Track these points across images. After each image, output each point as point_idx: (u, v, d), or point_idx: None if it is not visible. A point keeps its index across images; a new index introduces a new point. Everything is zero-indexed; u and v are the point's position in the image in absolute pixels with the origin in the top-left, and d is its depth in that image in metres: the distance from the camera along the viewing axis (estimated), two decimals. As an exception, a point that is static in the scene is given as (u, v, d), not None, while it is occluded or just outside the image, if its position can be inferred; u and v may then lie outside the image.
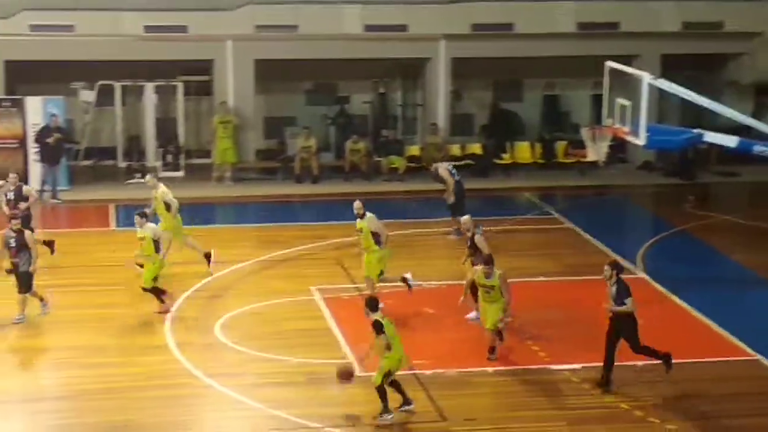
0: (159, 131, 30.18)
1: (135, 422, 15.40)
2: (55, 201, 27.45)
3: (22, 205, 21.63)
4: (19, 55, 28.34)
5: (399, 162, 30.32)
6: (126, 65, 29.01)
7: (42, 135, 27.57)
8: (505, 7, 31.20)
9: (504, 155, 30.93)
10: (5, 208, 21.51)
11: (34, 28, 28.73)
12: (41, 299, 19.39)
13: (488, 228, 21.19)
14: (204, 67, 29.93)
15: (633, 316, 16.28)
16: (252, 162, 30.40)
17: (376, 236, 19.52)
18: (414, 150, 30.90)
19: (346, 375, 15.69)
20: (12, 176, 22.09)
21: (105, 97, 29.68)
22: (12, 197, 21.85)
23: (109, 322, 19.16)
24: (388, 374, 15.34)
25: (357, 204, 19.80)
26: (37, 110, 27.98)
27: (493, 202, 27.68)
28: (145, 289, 19.48)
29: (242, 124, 29.71)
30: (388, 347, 15.29)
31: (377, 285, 19.62)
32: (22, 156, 28.14)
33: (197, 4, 29.54)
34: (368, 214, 19.63)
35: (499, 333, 17.54)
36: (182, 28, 29.44)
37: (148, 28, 29.27)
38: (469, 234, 19.36)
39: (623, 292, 16.21)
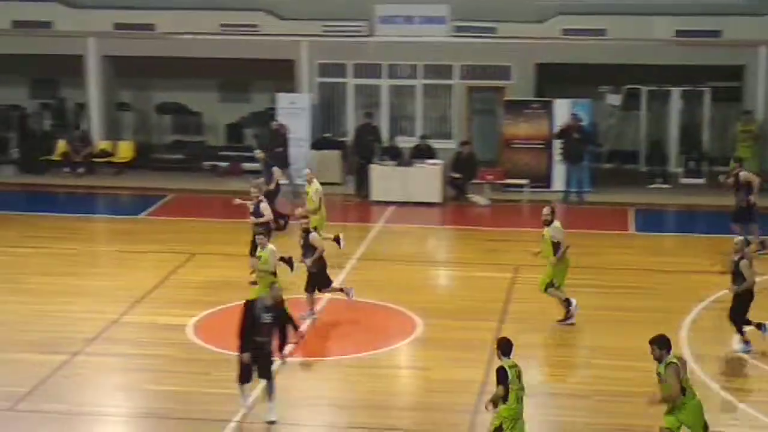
0: (682, 137, 29.90)
1: (640, 427, 15.31)
2: (573, 201, 28.03)
3: (252, 220, 21.26)
4: (551, 59, 29.11)
5: None
6: (654, 69, 28.96)
7: (561, 134, 28.28)
8: None
9: None
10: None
11: (567, 32, 29.36)
12: (342, 289, 19.74)
13: None
14: (734, 72, 29.20)
15: None
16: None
17: (556, 246, 18.80)
18: None
19: None
20: (254, 191, 21.71)
21: (631, 101, 29.85)
22: (252, 210, 21.62)
23: (624, 325, 19.16)
24: (500, 428, 13.80)
25: (545, 210, 19.12)
26: (564, 112, 28.63)
27: None
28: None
29: (764, 133, 28.68)
30: (505, 398, 13.73)
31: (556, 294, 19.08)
32: (546, 157, 28.97)
33: (733, 8, 28.82)
34: (555, 223, 18.93)
35: None
36: (715, 33, 28.82)
37: (680, 33, 28.95)
38: (735, 257, 17.69)
39: None
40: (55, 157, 31.17)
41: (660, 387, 13.64)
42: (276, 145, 28.42)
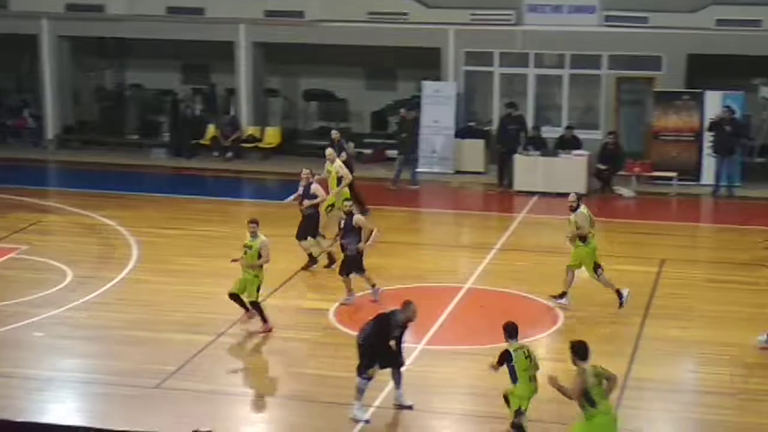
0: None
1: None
2: (722, 195, 27.45)
3: (306, 202, 21.39)
4: (703, 49, 28.48)
5: None
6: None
7: (712, 127, 27.67)
8: None
9: None
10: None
11: (721, 22, 28.67)
12: (373, 285, 19.57)
13: None
14: None
15: None
16: None
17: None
18: None
19: None
20: (305, 172, 21.67)
21: (788, 95, 29.06)
22: (301, 192, 21.63)
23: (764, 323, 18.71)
24: (518, 412, 14.04)
25: (571, 196, 19.61)
26: (715, 104, 28.00)
27: None
28: (252, 303, 18.33)
29: None
30: (514, 379, 14.13)
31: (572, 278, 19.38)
32: (696, 149, 28.40)
33: None
34: (581, 209, 19.22)
35: None
36: None
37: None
38: None
39: None
40: (204, 142, 31.81)
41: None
42: (401, 131, 28.71)
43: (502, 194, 27.96)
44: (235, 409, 16.00)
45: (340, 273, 19.68)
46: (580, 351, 13.33)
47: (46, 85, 32.56)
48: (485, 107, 30.73)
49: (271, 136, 31.76)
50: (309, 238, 21.46)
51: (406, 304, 15.44)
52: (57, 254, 22.20)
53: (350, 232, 19.45)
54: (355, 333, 16.07)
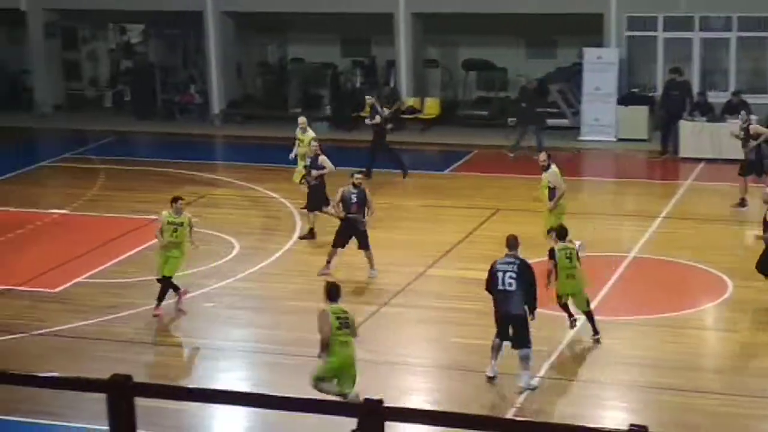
0: None
1: None
2: None
3: (314, 173, 21.35)
4: None
5: None
6: None
7: None
8: None
9: None
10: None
11: None
12: (330, 261, 19.51)
13: None
14: None
15: None
16: None
17: (552, 191, 18.80)
18: None
19: None
20: (314, 144, 21.87)
21: None
22: (308, 163, 21.69)
23: None
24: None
25: (542, 156, 19.66)
26: None
27: None
28: (159, 280, 17.90)
29: None
30: (556, 276, 15.62)
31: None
32: None
33: None
34: (552, 168, 18.91)
35: None
36: None
37: None
38: (766, 207, 17.29)
39: None
40: (364, 114, 31.95)
41: None
42: (521, 100, 28.41)
43: (667, 161, 27.41)
44: (401, 378, 16.12)
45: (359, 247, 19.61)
46: (330, 292, 14.13)
47: (211, 61, 33.22)
48: (649, 73, 30.11)
49: (431, 106, 31.75)
50: (323, 208, 21.56)
51: (509, 238, 15.48)
52: (225, 226, 22.68)
53: (363, 206, 19.37)
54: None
